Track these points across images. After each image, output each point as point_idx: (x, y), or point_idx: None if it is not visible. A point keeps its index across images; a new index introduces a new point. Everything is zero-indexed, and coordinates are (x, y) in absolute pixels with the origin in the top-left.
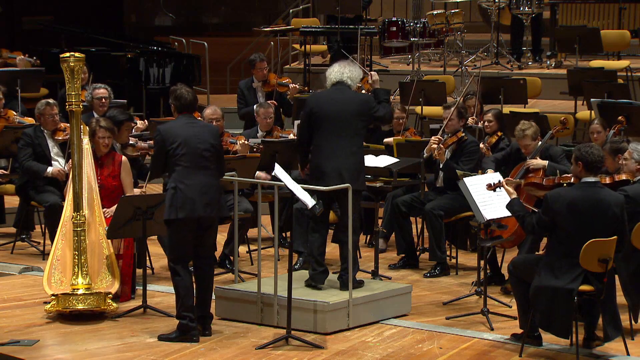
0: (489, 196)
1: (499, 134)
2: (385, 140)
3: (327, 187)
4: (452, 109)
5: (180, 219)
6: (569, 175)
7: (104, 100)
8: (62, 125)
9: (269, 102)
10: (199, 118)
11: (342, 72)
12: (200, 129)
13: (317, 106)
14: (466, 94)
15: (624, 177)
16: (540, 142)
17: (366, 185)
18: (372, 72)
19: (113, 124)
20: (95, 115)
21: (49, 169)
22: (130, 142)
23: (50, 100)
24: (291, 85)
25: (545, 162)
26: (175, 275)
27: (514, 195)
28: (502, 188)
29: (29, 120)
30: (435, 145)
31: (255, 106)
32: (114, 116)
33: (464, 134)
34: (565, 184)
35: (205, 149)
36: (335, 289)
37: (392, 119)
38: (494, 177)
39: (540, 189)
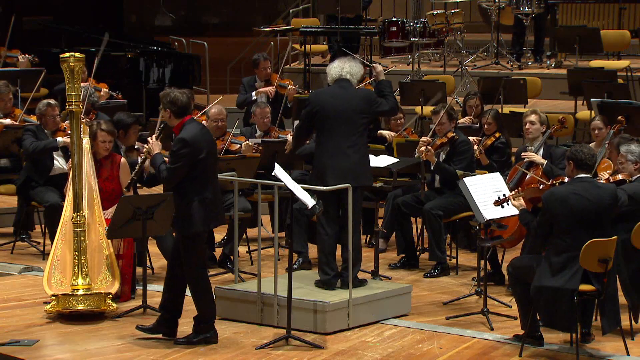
0: (489, 196)
1: (497, 135)
2: (379, 132)
3: (327, 187)
4: (442, 112)
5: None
6: (563, 176)
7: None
8: (63, 125)
9: (264, 101)
10: (202, 118)
11: (342, 67)
12: (209, 133)
13: (319, 104)
14: (467, 94)
15: (620, 177)
16: (540, 139)
17: (371, 182)
18: (375, 64)
19: (121, 127)
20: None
21: (59, 139)
22: (136, 146)
23: (52, 101)
24: (289, 87)
25: (544, 161)
26: (204, 282)
27: (522, 207)
28: (509, 203)
29: (34, 119)
30: (423, 148)
31: (252, 107)
32: (122, 119)
33: (454, 134)
34: (558, 184)
35: (217, 155)
36: (336, 288)
37: (398, 111)
38: (494, 177)
39: (540, 195)
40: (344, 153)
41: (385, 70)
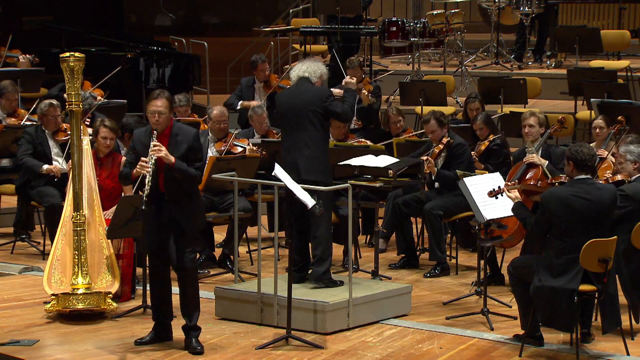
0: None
1: (491, 137)
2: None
3: (328, 187)
4: (432, 120)
5: None
6: (562, 175)
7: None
8: (64, 125)
9: (260, 106)
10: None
11: (301, 67)
12: None
13: (279, 102)
14: (468, 96)
15: (619, 177)
16: (540, 140)
17: (327, 178)
18: (349, 79)
19: (127, 130)
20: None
21: (45, 167)
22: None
23: (54, 101)
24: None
25: (545, 162)
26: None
27: (517, 199)
28: (503, 194)
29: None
30: (425, 158)
31: (249, 111)
32: (129, 124)
33: (449, 138)
34: (557, 184)
35: None
36: (335, 288)
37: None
38: (494, 177)
39: (537, 191)
40: (297, 147)
41: (386, 68)
